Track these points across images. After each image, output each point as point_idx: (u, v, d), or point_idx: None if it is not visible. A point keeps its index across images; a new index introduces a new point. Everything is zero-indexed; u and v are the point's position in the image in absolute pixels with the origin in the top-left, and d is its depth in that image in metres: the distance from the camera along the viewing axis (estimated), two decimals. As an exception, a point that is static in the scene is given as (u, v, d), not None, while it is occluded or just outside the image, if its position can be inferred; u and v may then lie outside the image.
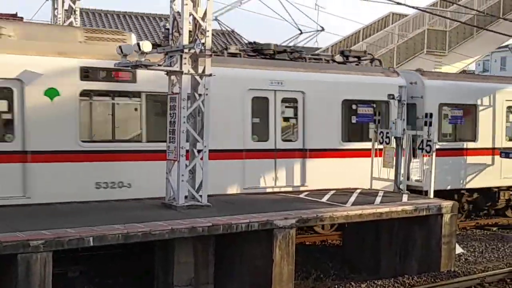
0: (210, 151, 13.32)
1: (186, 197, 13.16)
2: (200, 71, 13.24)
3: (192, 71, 13.15)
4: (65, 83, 13.66)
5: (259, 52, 17.60)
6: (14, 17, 30.94)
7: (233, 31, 21.89)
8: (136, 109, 14.64)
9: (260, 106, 16.14)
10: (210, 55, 13.11)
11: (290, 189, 16.46)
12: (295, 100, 16.67)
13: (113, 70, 13.94)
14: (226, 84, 15.20)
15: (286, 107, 16.69)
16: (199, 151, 13.34)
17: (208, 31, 13.00)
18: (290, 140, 16.72)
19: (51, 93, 13.58)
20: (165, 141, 13.45)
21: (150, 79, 14.22)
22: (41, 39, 13.82)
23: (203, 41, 12.89)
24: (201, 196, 13.24)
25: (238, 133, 15.68)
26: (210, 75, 13.18)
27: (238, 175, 15.74)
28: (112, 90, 14.31)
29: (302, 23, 19.43)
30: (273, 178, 16.33)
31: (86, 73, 13.90)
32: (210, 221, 11.65)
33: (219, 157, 14.94)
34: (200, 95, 13.29)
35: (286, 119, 16.77)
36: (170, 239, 11.40)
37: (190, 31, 13.03)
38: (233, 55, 16.98)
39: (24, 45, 13.53)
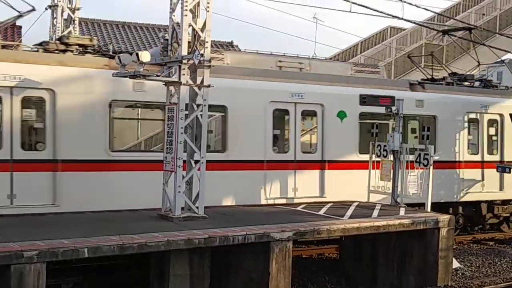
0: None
1: (182, 208, 13.09)
2: (198, 82, 13.21)
3: (190, 82, 13.12)
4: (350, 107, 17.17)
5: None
6: (12, 26, 30.98)
7: (231, 42, 22.10)
8: None
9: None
10: (209, 66, 13.08)
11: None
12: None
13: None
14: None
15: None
16: (196, 162, 13.29)
17: (207, 42, 12.99)
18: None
19: (342, 115, 17.11)
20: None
21: None
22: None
23: (202, 52, 12.88)
24: (197, 207, 13.17)
25: None
26: (209, 86, 13.15)
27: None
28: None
29: (299, 34, 19.57)
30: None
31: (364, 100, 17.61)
32: (207, 233, 11.57)
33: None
34: (198, 105, 13.26)
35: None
36: (166, 250, 11.31)
37: (189, 42, 13.02)
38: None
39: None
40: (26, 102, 13.57)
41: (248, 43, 65.05)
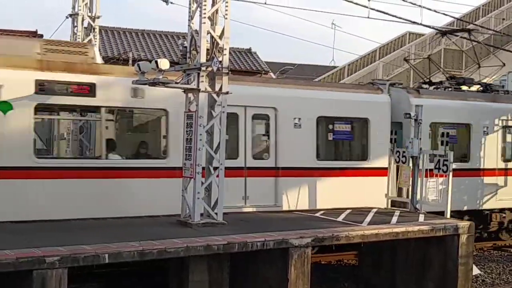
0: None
1: (201, 214, 13.15)
2: (217, 89, 13.28)
3: (209, 89, 13.20)
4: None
5: None
6: (34, 34, 31.35)
7: (249, 49, 22.15)
8: None
9: None
10: (227, 73, 13.15)
11: None
12: None
13: None
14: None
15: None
16: (215, 169, 13.35)
17: (225, 49, 13.05)
18: None
19: None
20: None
21: None
22: None
23: (220, 59, 12.95)
24: (216, 213, 13.22)
25: None
26: (227, 93, 13.21)
27: None
28: None
29: (317, 41, 19.64)
30: None
31: None
32: (226, 239, 11.61)
33: None
34: (217, 112, 13.33)
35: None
36: (185, 256, 11.37)
37: (207, 49, 13.10)
38: None
39: None
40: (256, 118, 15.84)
41: (267, 50, 65.26)
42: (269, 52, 74.83)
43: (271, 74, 32.60)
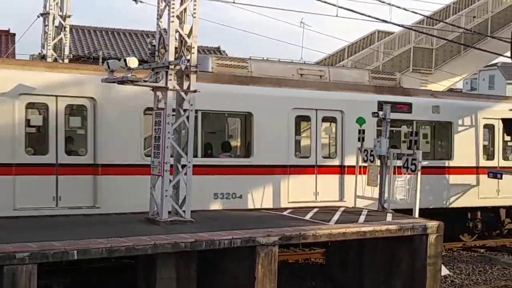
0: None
1: (169, 212, 13.14)
2: (185, 87, 13.28)
3: (177, 87, 13.19)
4: None
5: None
6: (6, 33, 31.14)
7: (218, 48, 22.12)
8: None
9: None
10: (196, 71, 13.16)
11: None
12: None
13: None
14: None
15: None
16: (183, 166, 13.35)
17: (193, 47, 13.07)
18: None
19: None
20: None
21: None
22: None
23: (188, 57, 12.96)
24: (184, 211, 13.23)
25: None
26: (195, 91, 13.23)
27: None
28: None
29: (286, 40, 19.61)
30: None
31: None
32: (193, 237, 11.63)
33: None
34: (185, 110, 13.33)
35: None
36: (153, 254, 11.37)
37: (176, 48, 13.09)
38: None
39: None
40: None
41: (236, 49, 65.29)
42: (238, 50, 75.01)
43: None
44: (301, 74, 17.95)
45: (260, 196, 16.50)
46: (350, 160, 17.52)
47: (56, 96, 14.18)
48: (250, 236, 12.06)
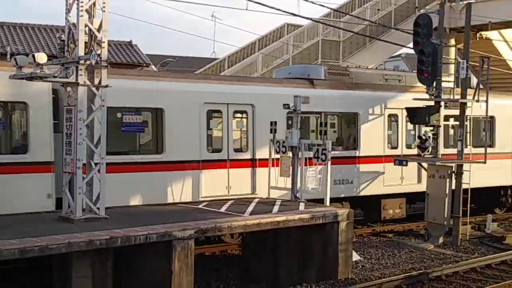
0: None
1: (83, 210, 12.98)
2: (96, 82, 13.12)
3: (88, 83, 13.02)
4: None
5: None
6: None
7: (130, 42, 21.86)
8: None
9: None
10: (106, 66, 13.02)
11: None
12: None
13: None
14: None
15: None
16: (96, 163, 13.20)
17: (104, 42, 12.93)
18: None
19: None
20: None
21: None
22: None
23: (99, 52, 12.80)
24: (98, 208, 13.10)
25: None
26: (107, 86, 13.09)
27: None
28: None
29: (198, 33, 19.63)
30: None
31: None
32: (108, 234, 11.55)
33: None
34: (96, 106, 13.18)
35: None
36: (68, 252, 11.21)
37: (85, 43, 12.91)
38: None
39: None
40: None
41: (148, 43, 64.80)
42: (150, 44, 74.29)
43: (153, 66, 32.37)
44: (386, 79, 21.53)
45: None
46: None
47: None
48: (166, 230, 12.07)
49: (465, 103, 19.67)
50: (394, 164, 20.02)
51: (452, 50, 27.46)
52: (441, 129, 20.36)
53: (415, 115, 19.91)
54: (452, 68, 23.92)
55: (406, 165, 19.79)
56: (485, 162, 19.85)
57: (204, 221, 13.16)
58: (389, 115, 21.06)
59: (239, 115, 18.06)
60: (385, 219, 21.33)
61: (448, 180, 19.07)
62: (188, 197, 16.68)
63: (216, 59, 34.83)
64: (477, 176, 20.32)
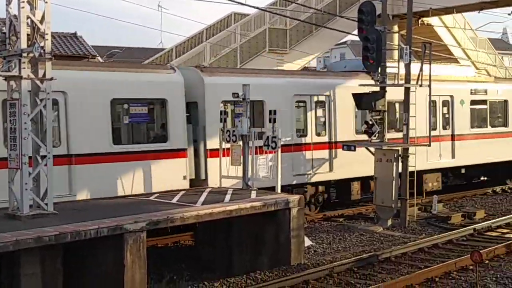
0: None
1: (31, 206, 12.72)
2: (40, 75, 12.84)
3: (32, 76, 12.73)
4: None
5: None
6: None
7: (75, 33, 21.49)
8: None
9: None
10: (51, 59, 12.75)
11: None
12: None
13: None
14: None
15: None
16: (42, 158, 12.94)
17: (47, 34, 12.65)
18: None
19: None
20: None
21: None
22: None
23: (42, 44, 12.52)
24: (46, 204, 12.85)
25: None
26: (51, 79, 12.82)
27: None
28: None
29: (144, 24, 19.38)
30: None
31: None
32: (57, 230, 11.35)
33: None
34: (41, 100, 12.90)
35: None
36: (15, 250, 10.96)
37: (28, 35, 12.62)
38: None
39: None
40: None
41: (93, 35, 63.94)
42: (96, 36, 73.30)
43: (99, 58, 31.93)
44: None
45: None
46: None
47: None
48: (117, 224, 11.92)
49: (409, 88, 19.93)
50: (343, 149, 20.24)
51: (396, 36, 27.81)
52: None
53: (362, 101, 20.09)
54: (396, 54, 24.27)
55: (355, 150, 20.02)
56: (429, 145, 20.37)
57: (156, 212, 13.05)
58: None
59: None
60: (426, 191, 23.43)
61: (395, 163, 19.34)
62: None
63: (163, 49, 34.56)
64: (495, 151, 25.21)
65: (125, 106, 16.80)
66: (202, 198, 15.08)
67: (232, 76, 19.70)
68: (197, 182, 17.77)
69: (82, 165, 15.52)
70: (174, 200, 14.94)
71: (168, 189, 16.55)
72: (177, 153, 17.19)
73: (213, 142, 17.68)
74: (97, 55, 32.35)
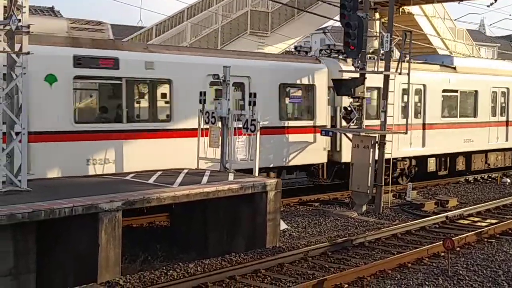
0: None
1: (4, 182, 12.51)
2: (17, 49, 12.58)
3: (8, 49, 12.47)
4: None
5: None
6: None
7: (52, 8, 21.18)
8: None
9: None
10: (28, 32, 12.49)
11: None
12: None
13: None
14: None
15: None
16: (17, 134, 12.71)
17: (24, 7, 12.40)
18: None
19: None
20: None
21: None
22: None
23: (19, 17, 12.26)
24: (20, 181, 12.63)
25: None
26: (28, 53, 12.57)
27: None
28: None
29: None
30: None
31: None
32: (31, 207, 11.17)
33: None
34: (17, 74, 12.65)
35: None
36: (-13, 228, 10.78)
37: (5, 7, 12.34)
38: None
39: None
40: None
41: (70, 9, 63.15)
42: (75, 11, 72.46)
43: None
44: None
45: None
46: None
47: None
48: (92, 203, 11.77)
49: (388, 75, 19.93)
50: (321, 135, 20.35)
51: (377, 24, 27.78)
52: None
53: (341, 87, 20.08)
54: (376, 42, 24.24)
55: (333, 135, 20.07)
56: (406, 133, 20.60)
57: (132, 192, 12.90)
58: None
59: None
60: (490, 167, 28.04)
61: (371, 150, 19.42)
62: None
63: (143, 27, 34.20)
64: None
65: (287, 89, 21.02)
66: (179, 179, 14.95)
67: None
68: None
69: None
70: (151, 181, 14.79)
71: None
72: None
73: None
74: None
